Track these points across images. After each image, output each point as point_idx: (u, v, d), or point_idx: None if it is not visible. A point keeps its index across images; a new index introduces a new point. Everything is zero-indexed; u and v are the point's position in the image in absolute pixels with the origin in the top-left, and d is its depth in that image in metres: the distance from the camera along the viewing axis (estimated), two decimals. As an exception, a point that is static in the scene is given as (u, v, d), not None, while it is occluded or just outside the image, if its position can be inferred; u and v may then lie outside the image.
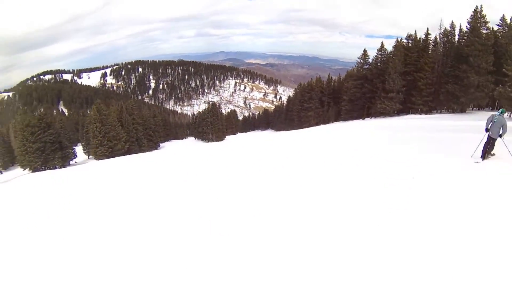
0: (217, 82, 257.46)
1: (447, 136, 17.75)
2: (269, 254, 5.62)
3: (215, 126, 73.95)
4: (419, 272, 4.59)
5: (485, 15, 37.48)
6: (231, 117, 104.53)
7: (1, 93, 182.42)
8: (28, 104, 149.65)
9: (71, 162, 46.19)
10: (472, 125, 20.54)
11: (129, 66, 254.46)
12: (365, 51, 51.48)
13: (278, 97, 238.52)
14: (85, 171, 29.23)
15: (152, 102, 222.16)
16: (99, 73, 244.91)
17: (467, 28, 38.91)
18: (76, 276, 5.84)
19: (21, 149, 38.95)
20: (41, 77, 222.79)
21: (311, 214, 7.41)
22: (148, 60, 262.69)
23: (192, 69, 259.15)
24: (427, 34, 44.17)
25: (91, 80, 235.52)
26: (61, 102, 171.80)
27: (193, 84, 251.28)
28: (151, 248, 6.66)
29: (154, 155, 40.39)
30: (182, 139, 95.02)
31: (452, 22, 41.81)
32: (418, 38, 44.85)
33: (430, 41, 43.95)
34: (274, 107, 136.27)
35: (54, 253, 7.28)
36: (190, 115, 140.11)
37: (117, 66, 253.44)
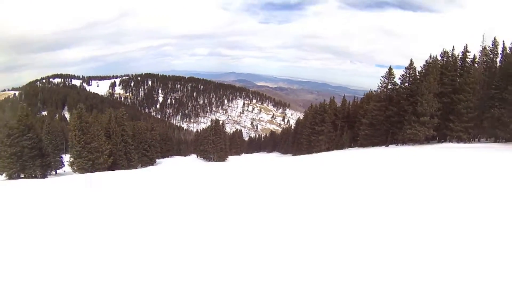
0: (226, 101, 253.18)
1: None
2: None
3: (217, 145, 67.52)
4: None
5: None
6: (236, 137, 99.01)
7: (9, 91, 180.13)
8: (32, 105, 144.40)
9: (58, 172, 42.58)
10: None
11: (139, 78, 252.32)
12: (390, 69, 44.62)
13: (286, 120, 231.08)
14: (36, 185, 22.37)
15: (159, 117, 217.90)
16: (108, 82, 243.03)
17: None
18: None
19: (-4, 152, 33.85)
20: (51, 79, 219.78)
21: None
22: (158, 74, 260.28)
23: (202, 87, 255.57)
24: (465, 51, 37.74)
25: (100, 88, 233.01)
26: (66, 107, 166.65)
27: (201, 102, 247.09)
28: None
29: (139, 173, 33.61)
30: (185, 156, 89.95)
31: (494, 38, 35.67)
32: (455, 55, 38.29)
33: (469, 59, 37.75)
34: (281, 129, 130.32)
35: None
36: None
37: (127, 77, 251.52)
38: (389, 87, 44.28)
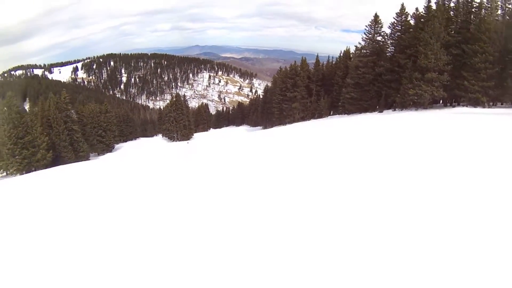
0: (191, 75, 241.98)
1: None
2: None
3: (179, 122, 61.81)
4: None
5: None
6: (202, 112, 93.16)
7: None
8: None
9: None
10: None
11: (101, 60, 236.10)
12: (376, 16, 37.15)
13: (254, 90, 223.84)
14: None
15: (124, 97, 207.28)
16: (70, 68, 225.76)
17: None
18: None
19: None
20: (12, 72, 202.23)
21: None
22: (120, 54, 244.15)
23: (165, 62, 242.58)
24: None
25: (62, 75, 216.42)
26: (27, 99, 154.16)
27: (166, 78, 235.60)
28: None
29: (82, 166, 28.12)
30: (152, 136, 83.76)
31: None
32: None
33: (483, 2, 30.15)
34: (249, 100, 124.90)
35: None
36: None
37: (88, 60, 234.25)
38: (377, 38, 37.54)
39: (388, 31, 37.03)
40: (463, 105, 29.20)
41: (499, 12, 30.33)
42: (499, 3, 30.06)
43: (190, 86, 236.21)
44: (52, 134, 37.58)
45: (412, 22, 34.57)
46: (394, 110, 33.27)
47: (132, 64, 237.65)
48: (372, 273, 3.55)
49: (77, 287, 4.29)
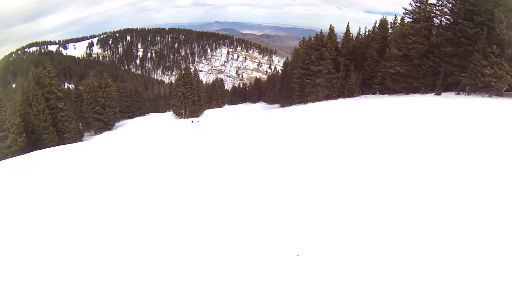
0: (209, 50, 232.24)
1: None
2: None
3: (188, 97, 54.45)
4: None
5: None
6: (216, 87, 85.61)
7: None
8: (1, 79, 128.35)
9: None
10: None
11: (117, 34, 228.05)
12: None
13: (273, 67, 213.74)
14: None
15: (139, 72, 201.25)
16: (86, 43, 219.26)
17: None
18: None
19: None
20: (26, 50, 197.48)
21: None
22: (137, 28, 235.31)
23: (183, 37, 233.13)
24: None
25: (77, 50, 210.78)
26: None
27: (183, 53, 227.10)
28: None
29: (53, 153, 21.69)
30: (164, 112, 77.23)
31: None
32: None
33: None
34: (267, 77, 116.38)
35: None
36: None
37: (104, 35, 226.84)
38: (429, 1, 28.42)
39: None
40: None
41: None
42: None
43: (208, 61, 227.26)
44: (32, 114, 31.05)
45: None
46: (458, 93, 24.52)
47: (149, 39, 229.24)
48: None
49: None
